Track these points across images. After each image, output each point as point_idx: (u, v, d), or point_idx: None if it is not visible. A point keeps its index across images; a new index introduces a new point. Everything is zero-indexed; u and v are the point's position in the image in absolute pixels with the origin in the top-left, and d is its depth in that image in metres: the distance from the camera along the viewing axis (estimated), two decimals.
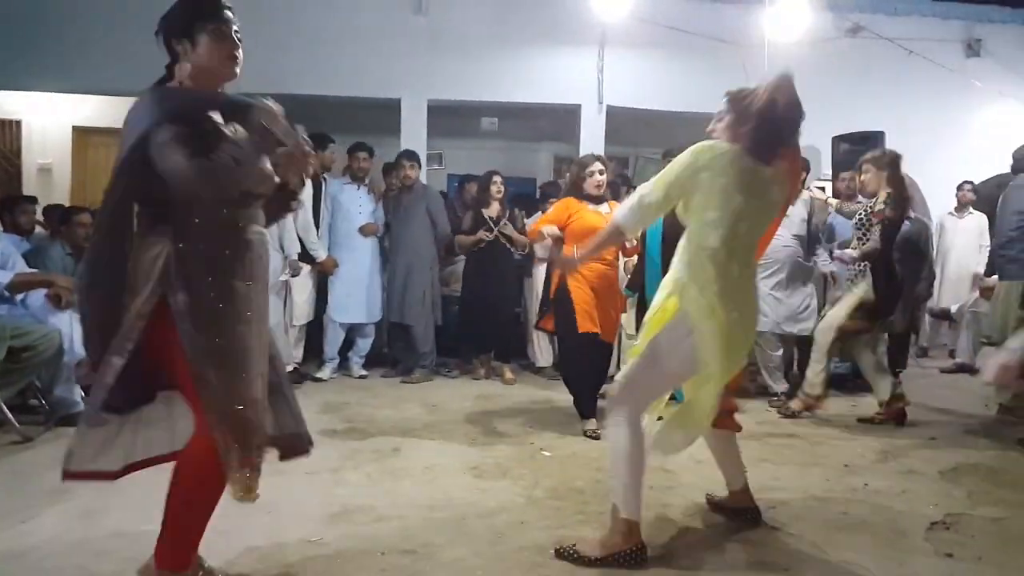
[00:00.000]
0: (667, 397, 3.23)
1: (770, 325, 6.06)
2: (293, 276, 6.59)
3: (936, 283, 7.81)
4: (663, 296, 3.06)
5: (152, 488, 2.54)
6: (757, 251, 3.19)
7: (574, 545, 3.06)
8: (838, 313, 5.50)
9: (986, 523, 3.56)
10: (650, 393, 3.10)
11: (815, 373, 5.54)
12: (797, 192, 3.21)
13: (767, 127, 2.93)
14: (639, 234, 4.49)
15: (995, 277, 6.35)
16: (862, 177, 5.63)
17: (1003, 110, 9.40)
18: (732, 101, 3.06)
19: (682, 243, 3.05)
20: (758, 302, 3.22)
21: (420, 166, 7.21)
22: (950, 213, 8.25)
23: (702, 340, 2.90)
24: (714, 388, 2.95)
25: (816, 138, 8.36)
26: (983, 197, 8.17)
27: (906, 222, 5.67)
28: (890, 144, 7.96)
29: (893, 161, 5.42)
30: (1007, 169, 6.23)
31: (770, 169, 2.98)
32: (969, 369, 7.77)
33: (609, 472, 3.08)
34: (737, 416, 3.55)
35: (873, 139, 8.07)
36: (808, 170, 6.38)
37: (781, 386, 6.16)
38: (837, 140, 8.35)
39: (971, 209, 8.19)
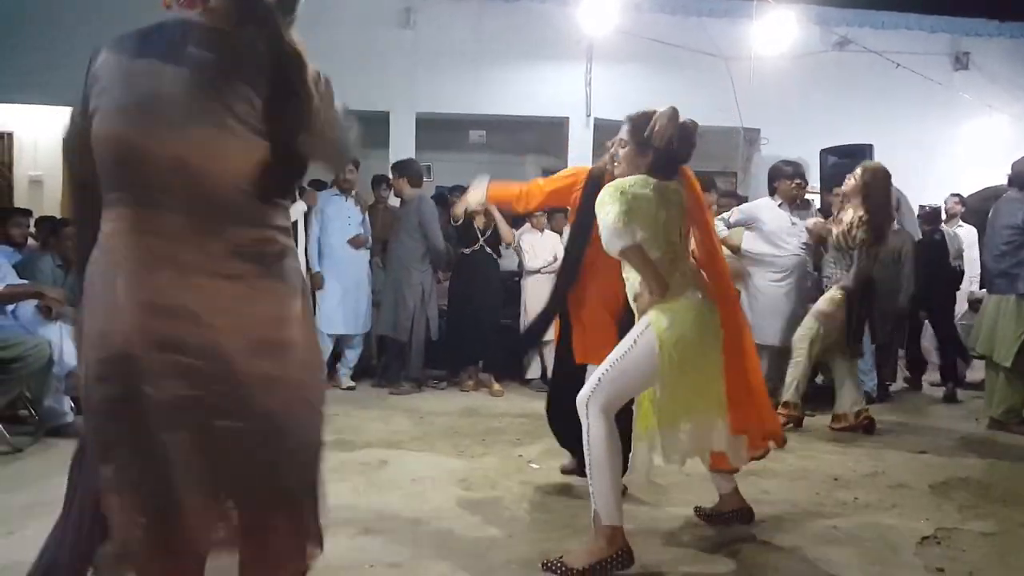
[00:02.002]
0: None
1: (771, 336, 6.05)
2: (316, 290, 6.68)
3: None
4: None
5: None
6: (687, 255, 3.35)
7: (560, 557, 3.04)
8: (811, 323, 5.55)
9: (977, 538, 3.55)
10: (619, 395, 3.12)
11: (792, 378, 5.58)
12: (699, 196, 3.37)
13: (666, 158, 3.21)
14: None
15: (983, 290, 6.38)
16: (843, 189, 5.56)
17: (990, 123, 9.47)
18: (632, 131, 3.25)
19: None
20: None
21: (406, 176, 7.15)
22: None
23: (661, 332, 3.03)
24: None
25: (804, 151, 8.37)
26: (971, 210, 8.20)
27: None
28: (878, 158, 7.99)
29: (873, 180, 5.35)
30: (995, 182, 6.28)
31: (671, 183, 3.23)
32: (959, 382, 7.77)
33: (588, 479, 3.08)
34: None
35: (860, 152, 8.10)
36: (806, 181, 6.40)
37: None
38: (825, 153, 8.37)
39: (960, 222, 8.22)
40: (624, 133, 3.28)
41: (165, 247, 1.72)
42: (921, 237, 7.19)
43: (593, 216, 3.37)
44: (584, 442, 3.08)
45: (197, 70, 1.72)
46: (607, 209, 3.05)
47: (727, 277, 3.47)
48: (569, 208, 4.15)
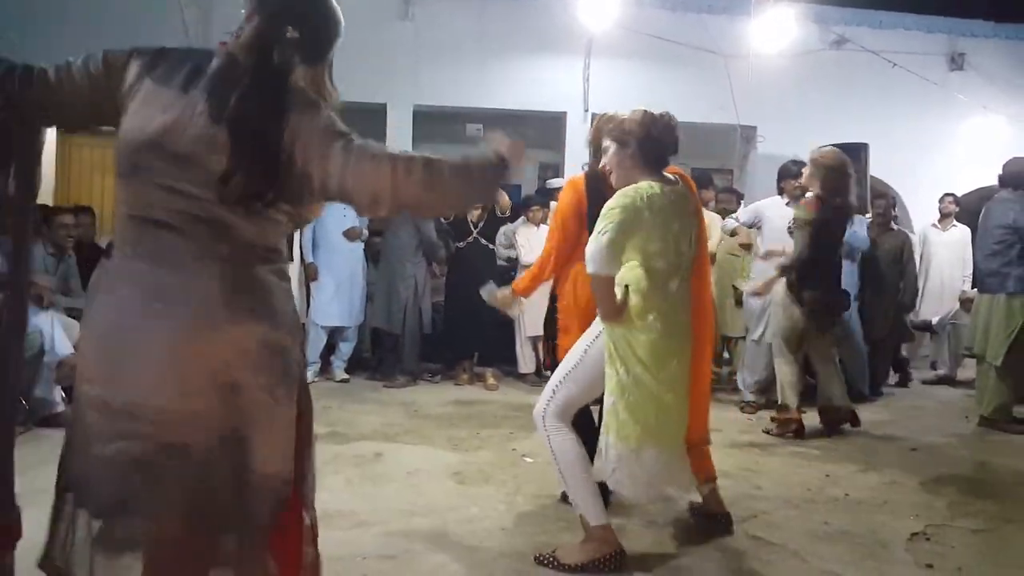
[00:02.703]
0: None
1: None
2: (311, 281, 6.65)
3: (919, 295, 7.85)
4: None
5: None
6: (702, 261, 3.31)
7: (554, 551, 3.06)
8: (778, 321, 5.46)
9: (967, 534, 3.58)
10: (572, 402, 3.12)
11: (780, 381, 5.48)
12: (698, 201, 3.35)
13: (650, 148, 3.10)
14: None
15: (975, 290, 6.40)
16: (802, 178, 5.52)
17: (986, 123, 9.48)
18: (609, 133, 3.19)
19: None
20: (689, 315, 3.19)
21: None
22: (933, 225, 8.29)
23: (613, 340, 2.98)
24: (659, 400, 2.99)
25: (800, 149, 8.35)
26: (966, 210, 8.23)
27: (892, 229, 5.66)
28: (874, 157, 8.05)
29: (831, 166, 5.22)
30: (990, 182, 6.28)
31: (680, 186, 3.15)
32: (950, 381, 7.82)
33: (564, 486, 3.10)
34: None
35: (856, 151, 8.11)
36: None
37: (753, 396, 6.20)
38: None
39: (955, 222, 8.25)
40: (606, 141, 3.22)
41: None
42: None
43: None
44: (550, 453, 3.09)
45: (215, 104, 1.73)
46: (605, 224, 2.92)
47: (708, 289, 3.44)
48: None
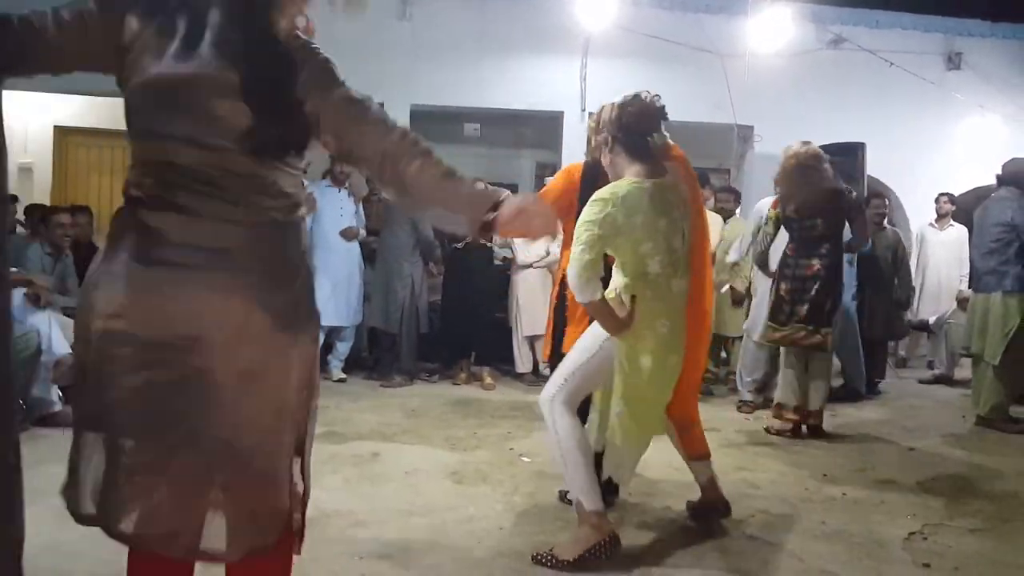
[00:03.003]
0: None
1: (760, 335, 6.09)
2: None
3: (916, 294, 7.87)
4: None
5: None
6: (701, 255, 3.31)
7: (551, 550, 3.06)
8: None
9: (963, 534, 3.58)
10: (582, 391, 3.16)
11: (784, 382, 5.47)
12: (695, 186, 3.34)
13: (634, 139, 3.10)
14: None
15: (971, 289, 6.41)
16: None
17: (983, 123, 9.49)
18: (592, 132, 3.27)
19: (617, 268, 3.13)
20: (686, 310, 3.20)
21: None
22: (931, 225, 8.30)
23: (624, 349, 3.01)
24: (655, 402, 3.08)
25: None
26: (963, 209, 8.24)
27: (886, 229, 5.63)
28: (871, 156, 8.05)
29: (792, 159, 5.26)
30: (987, 181, 6.29)
31: (668, 177, 3.12)
32: (947, 380, 7.83)
33: (563, 471, 3.12)
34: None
35: (853, 150, 8.12)
36: None
37: (751, 394, 6.20)
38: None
39: (952, 221, 8.26)
40: (590, 130, 3.28)
41: None
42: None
43: None
44: (552, 438, 3.11)
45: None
46: (579, 245, 2.91)
47: (708, 279, 3.43)
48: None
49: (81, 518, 1.89)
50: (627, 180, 3.04)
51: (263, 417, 1.80)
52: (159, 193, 1.73)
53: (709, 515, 3.53)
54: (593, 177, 3.66)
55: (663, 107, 3.20)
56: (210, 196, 1.71)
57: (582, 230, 2.93)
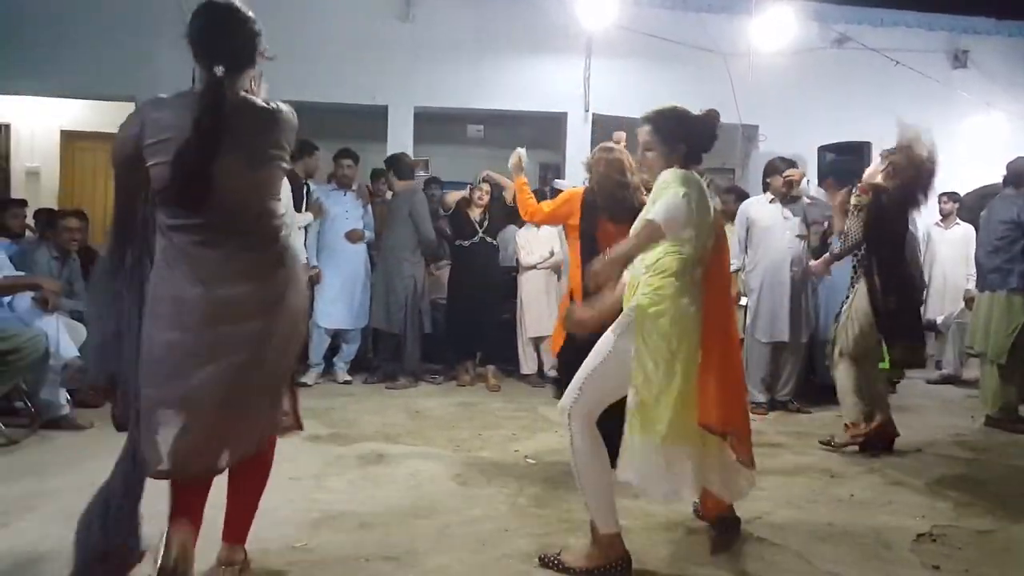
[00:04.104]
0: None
1: (762, 332, 6.08)
2: (315, 284, 6.70)
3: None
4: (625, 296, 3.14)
5: None
6: (720, 250, 3.27)
7: (559, 553, 3.05)
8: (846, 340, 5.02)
9: (973, 535, 3.56)
10: (600, 400, 3.05)
11: (850, 403, 5.05)
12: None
13: (697, 152, 3.19)
14: None
15: (976, 288, 6.37)
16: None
17: (988, 121, 9.45)
18: (656, 131, 3.18)
19: (648, 255, 3.07)
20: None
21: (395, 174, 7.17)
22: (936, 224, 8.28)
23: (647, 340, 2.96)
24: (674, 392, 2.93)
25: (802, 148, 8.38)
26: (968, 208, 8.21)
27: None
28: (876, 155, 8.01)
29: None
30: (993, 180, 6.27)
31: (706, 178, 3.20)
32: (955, 380, 7.80)
33: (580, 487, 3.04)
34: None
35: (859, 149, 8.10)
36: (803, 174, 6.39)
37: (761, 396, 6.18)
38: (823, 150, 8.38)
39: (957, 220, 8.24)
40: (648, 134, 3.18)
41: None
42: None
43: (594, 230, 4.19)
44: (570, 452, 3.03)
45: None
46: (674, 190, 2.98)
47: (727, 288, 3.40)
48: (566, 226, 4.64)
49: (159, 473, 2.49)
50: (686, 171, 3.09)
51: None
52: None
53: (718, 527, 3.45)
54: (591, 208, 4.29)
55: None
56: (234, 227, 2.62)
57: (680, 176, 3.04)
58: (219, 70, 2.45)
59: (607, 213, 4.20)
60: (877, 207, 4.87)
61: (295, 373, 3.06)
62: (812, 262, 5.65)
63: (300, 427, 2.88)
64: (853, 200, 4.98)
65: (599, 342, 3.11)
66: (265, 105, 2.61)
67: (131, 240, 2.60)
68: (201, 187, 2.39)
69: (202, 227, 2.46)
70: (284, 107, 2.69)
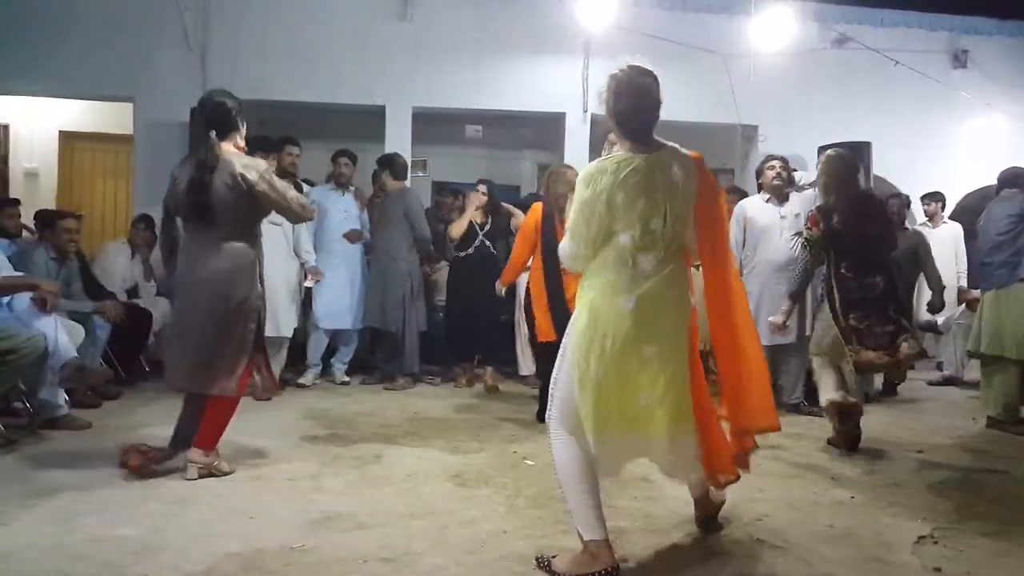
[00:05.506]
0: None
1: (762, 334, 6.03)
2: (317, 283, 6.71)
3: (916, 294, 7.81)
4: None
5: (127, 495, 2.52)
6: (717, 243, 3.24)
7: (553, 557, 3.02)
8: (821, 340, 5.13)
9: (974, 537, 3.53)
10: (568, 403, 3.00)
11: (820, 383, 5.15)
12: (708, 179, 3.25)
13: (628, 119, 3.12)
14: None
15: (977, 291, 6.33)
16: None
17: (989, 122, 9.43)
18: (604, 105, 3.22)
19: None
20: (679, 294, 3.08)
21: (390, 172, 7.16)
22: (923, 225, 8.27)
23: (578, 332, 2.94)
24: (590, 386, 2.89)
25: (802, 148, 8.37)
26: (969, 208, 8.19)
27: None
28: (876, 155, 8.03)
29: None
30: (993, 180, 6.24)
31: (656, 156, 3.03)
32: (956, 382, 7.77)
33: (563, 495, 3.03)
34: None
35: (859, 149, 8.08)
36: (786, 164, 6.37)
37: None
38: (822, 150, 8.33)
39: (945, 219, 8.25)
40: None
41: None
42: None
43: (553, 235, 5.25)
44: (553, 456, 3.03)
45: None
46: (575, 208, 3.01)
47: (731, 281, 3.27)
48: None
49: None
50: (606, 158, 3.04)
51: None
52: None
53: (707, 526, 3.45)
54: (549, 218, 5.54)
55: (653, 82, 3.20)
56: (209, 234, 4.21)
57: (574, 221, 2.99)
58: (212, 134, 4.04)
59: (563, 223, 4.57)
60: (831, 232, 4.88)
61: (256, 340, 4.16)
62: (771, 319, 5.38)
63: (277, 386, 4.38)
64: (805, 234, 5.01)
65: (563, 346, 3.09)
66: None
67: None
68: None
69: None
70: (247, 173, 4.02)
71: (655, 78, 3.21)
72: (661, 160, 3.02)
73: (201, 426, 4.04)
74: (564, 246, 3.10)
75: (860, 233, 4.83)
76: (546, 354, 5.33)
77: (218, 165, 3.94)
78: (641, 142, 3.05)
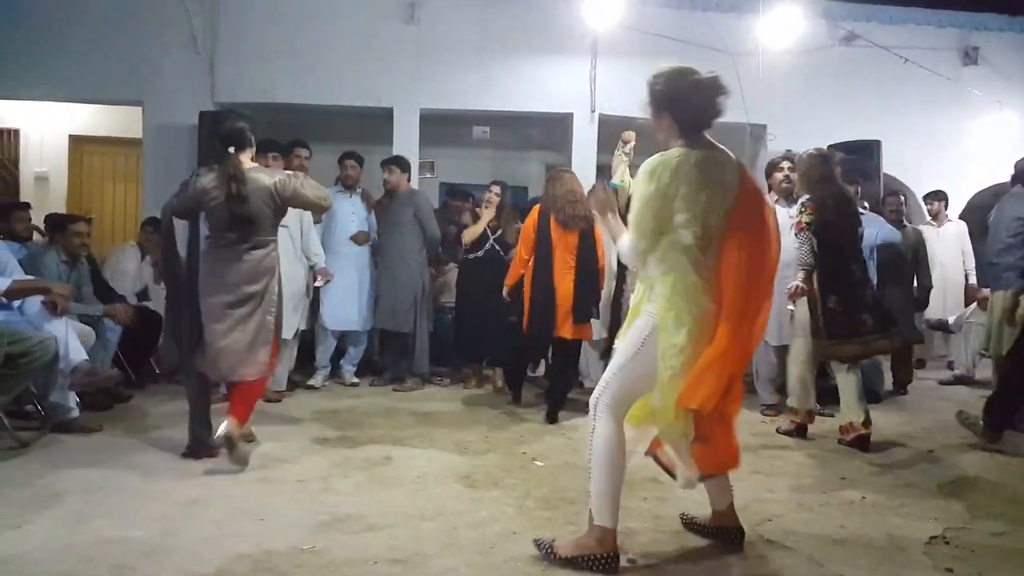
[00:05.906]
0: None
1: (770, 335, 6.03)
2: (326, 283, 6.68)
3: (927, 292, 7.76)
4: (636, 297, 3.15)
5: (138, 497, 2.52)
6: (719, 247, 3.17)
7: (553, 540, 3.08)
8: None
9: (986, 538, 3.51)
10: (626, 395, 3.06)
11: (796, 381, 5.33)
12: (751, 179, 3.21)
13: (688, 116, 3.13)
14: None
15: (987, 289, 6.29)
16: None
17: (1000, 119, 9.36)
18: (649, 96, 3.21)
19: (657, 253, 3.05)
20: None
21: (404, 170, 7.18)
22: (929, 223, 8.22)
23: (665, 335, 2.94)
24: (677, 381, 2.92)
25: (810, 147, 8.29)
26: (979, 206, 8.14)
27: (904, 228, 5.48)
28: (886, 153, 7.97)
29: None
30: (1004, 178, 6.19)
31: (719, 153, 3.09)
32: (968, 381, 7.73)
33: (589, 475, 3.05)
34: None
35: (868, 148, 8.06)
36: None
37: (772, 398, 6.14)
38: (832, 149, 8.29)
39: (949, 217, 8.20)
40: (649, 111, 3.19)
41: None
42: None
43: (547, 232, 5.85)
44: (589, 441, 3.05)
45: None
46: (638, 193, 3.00)
47: (765, 292, 3.14)
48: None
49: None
50: (675, 151, 3.03)
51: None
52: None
53: (720, 538, 3.39)
54: (545, 219, 5.89)
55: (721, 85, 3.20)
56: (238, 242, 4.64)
57: (640, 211, 2.98)
58: (231, 149, 4.53)
59: (559, 223, 5.85)
60: (823, 219, 5.05)
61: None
62: (788, 286, 5.39)
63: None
64: (805, 219, 5.08)
65: (629, 334, 3.10)
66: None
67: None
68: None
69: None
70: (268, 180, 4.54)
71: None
72: (716, 158, 3.07)
73: (234, 403, 4.43)
74: (625, 241, 3.09)
75: (850, 225, 5.15)
76: (533, 347, 6.27)
77: (247, 179, 4.43)
78: (698, 140, 3.10)
